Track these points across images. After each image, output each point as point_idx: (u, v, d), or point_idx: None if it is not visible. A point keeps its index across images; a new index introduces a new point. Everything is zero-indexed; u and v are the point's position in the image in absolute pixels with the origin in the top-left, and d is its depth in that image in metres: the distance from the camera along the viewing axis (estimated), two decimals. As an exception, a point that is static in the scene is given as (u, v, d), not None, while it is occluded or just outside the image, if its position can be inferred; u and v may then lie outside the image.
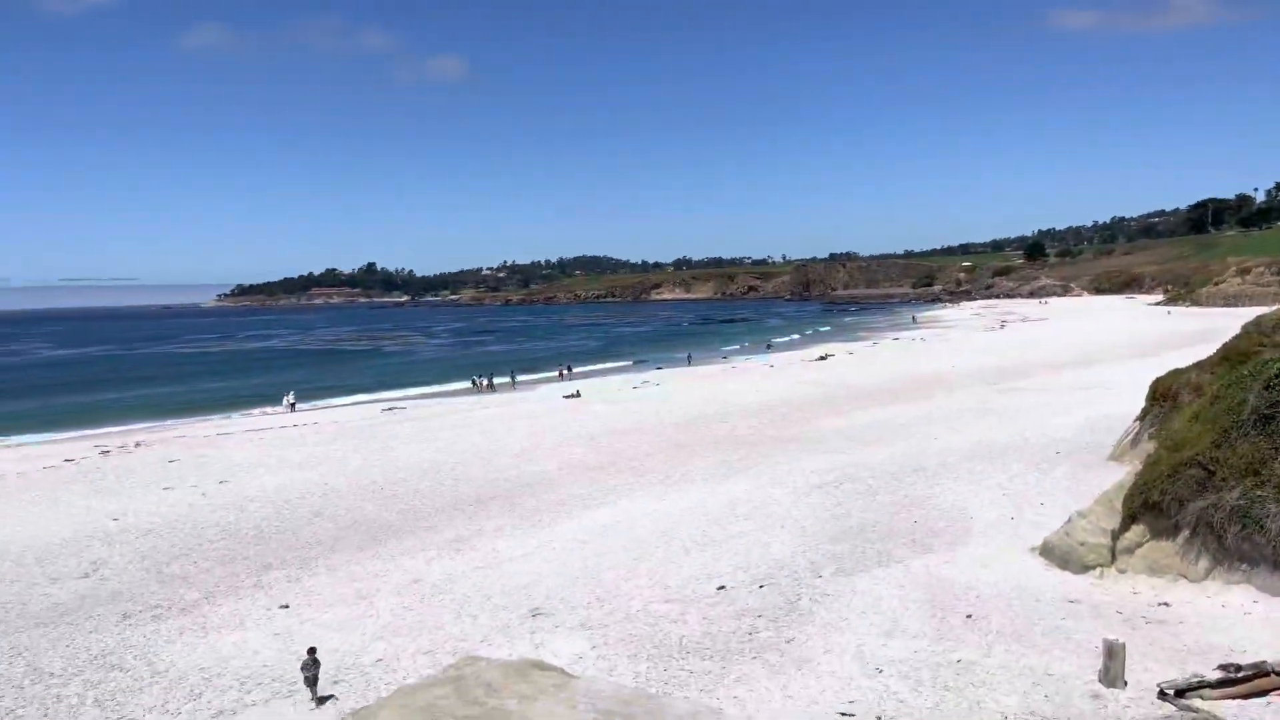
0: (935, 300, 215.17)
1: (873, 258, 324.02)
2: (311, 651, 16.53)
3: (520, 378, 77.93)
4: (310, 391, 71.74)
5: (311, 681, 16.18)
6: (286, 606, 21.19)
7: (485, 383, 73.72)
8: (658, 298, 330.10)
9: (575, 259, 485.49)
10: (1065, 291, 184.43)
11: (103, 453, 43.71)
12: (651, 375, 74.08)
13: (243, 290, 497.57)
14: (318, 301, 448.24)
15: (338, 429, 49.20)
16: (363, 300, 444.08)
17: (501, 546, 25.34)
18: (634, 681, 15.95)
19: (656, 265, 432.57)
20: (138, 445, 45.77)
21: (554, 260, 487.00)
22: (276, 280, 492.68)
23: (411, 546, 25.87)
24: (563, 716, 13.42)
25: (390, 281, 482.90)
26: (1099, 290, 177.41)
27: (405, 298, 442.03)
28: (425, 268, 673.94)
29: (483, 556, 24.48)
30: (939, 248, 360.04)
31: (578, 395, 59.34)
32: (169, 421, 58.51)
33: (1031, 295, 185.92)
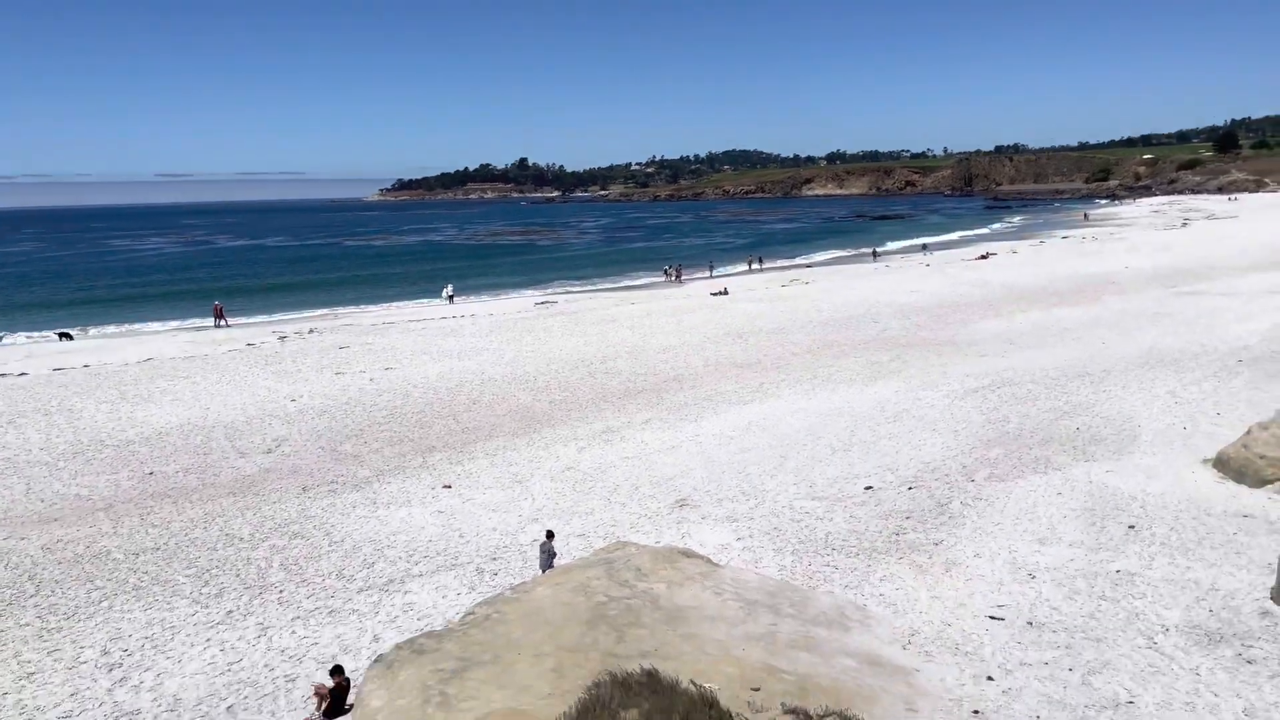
0: (1111, 196, 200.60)
1: (1041, 151, 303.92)
2: (550, 535, 17.33)
3: (719, 270, 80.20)
4: (467, 284, 74.19)
5: (547, 565, 16.53)
6: (449, 487, 22.46)
7: (675, 273, 76.19)
8: (809, 193, 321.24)
9: (724, 154, 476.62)
10: (1259, 187, 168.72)
11: (280, 338, 46.79)
12: (800, 274, 72.86)
13: (402, 185, 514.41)
14: (473, 196, 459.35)
15: (492, 321, 50.90)
16: (515, 195, 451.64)
17: (649, 439, 25.92)
18: (779, 574, 16.23)
19: (808, 159, 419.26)
20: (311, 332, 48.74)
21: (702, 155, 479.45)
22: (434, 175, 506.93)
23: (564, 435, 26.79)
24: (709, 603, 13.85)
25: (541, 177, 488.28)
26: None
27: (556, 193, 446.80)
28: (575, 163, 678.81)
29: (631, 448, 25.13)
30: (1117, 139, 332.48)
31: (725, 293, 59.11)
32: (337, 310, 61.97)
33: (1220, 191, 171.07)
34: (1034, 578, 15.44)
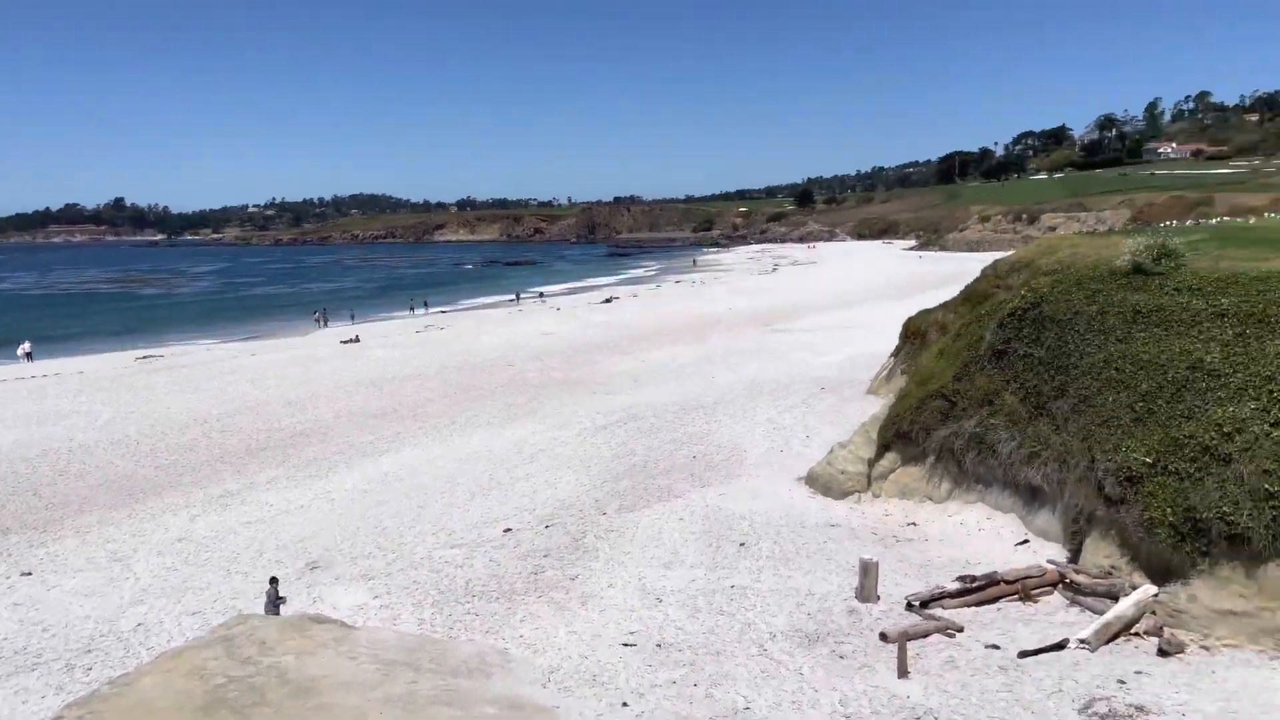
0: (714, 244, 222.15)
1: (655, 202, 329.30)
2: (274, 582, 16.20)
3: (361, 316, 77.33)
4: (50, 340, 65.12)
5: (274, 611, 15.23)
6: (29, 574, 19.38)
7: (322, 319, 73.98)
8: (441, 239, 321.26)
9: (351, 197, 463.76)
10: (831, 236, 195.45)
11: None
12: (435, 319, 72.49)
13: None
14: (57, 240, 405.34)
15: (84, 380, 45.02)
16: (111, 239, 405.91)
17: (274, 499, 24.23)
18: (418, 628, 15.80)
19: (439, 205, 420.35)
20: None
21: (328, 198, 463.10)
22: (6, 216, 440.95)
23: (174, 503, 24.24)
24: (344, 669, 13.09)
25: (142, 219, 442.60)
26: (860, 236, 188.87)
27: (160, 236, 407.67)
28: (183, 204, 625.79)
29: (254, 510, 23.32)
30: (718, 193, 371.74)
31: (356, 340, 57.16)
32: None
33: (801, 240, 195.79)
34: (661, 601, 16.38)
